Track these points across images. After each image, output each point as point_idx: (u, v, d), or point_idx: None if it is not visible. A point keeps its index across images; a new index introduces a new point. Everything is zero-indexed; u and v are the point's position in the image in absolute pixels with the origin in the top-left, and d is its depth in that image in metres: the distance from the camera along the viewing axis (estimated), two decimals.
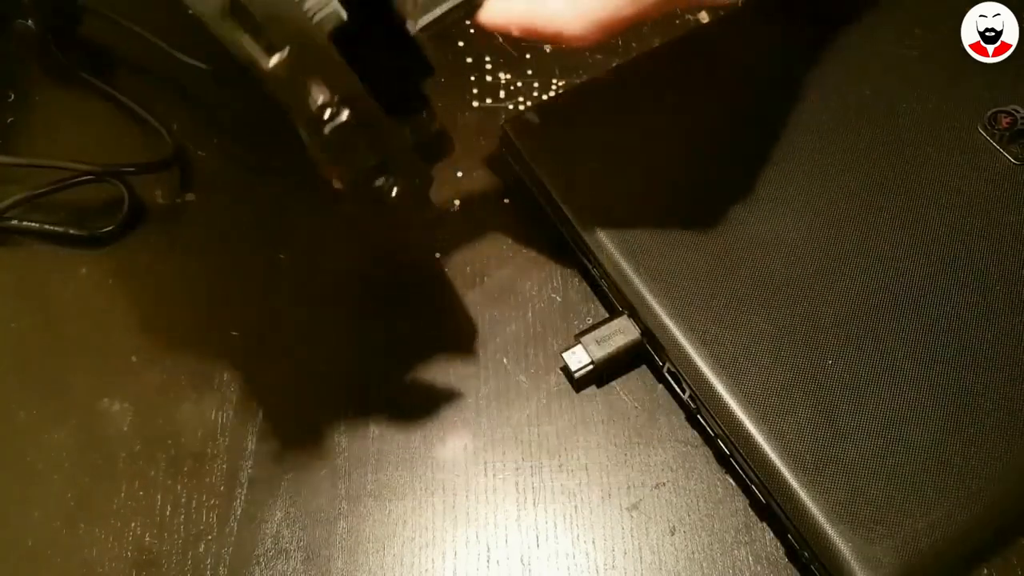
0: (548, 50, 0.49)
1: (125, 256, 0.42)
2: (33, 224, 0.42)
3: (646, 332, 0.37)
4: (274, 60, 0.25)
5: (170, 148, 0.44)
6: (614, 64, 0.48)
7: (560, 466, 0.37)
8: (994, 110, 0.40)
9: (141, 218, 0.43)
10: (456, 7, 0.30)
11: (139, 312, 0.40)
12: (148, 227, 0.43)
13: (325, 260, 0.41)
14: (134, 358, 0.39)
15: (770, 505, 0.34)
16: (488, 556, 0.35)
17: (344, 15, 0.25)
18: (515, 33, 0.31)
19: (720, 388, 0.34)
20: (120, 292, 0.41)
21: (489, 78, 0.48)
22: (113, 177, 0.43)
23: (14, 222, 0.41)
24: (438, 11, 0.30)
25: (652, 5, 0.30)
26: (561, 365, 0.38)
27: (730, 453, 0.35)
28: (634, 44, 0.49)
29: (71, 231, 0.42)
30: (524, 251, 0.42)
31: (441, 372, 0.39)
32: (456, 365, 0.39)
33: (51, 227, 0.42)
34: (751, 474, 0.34)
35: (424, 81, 0.31)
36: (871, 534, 0.31)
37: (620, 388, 0.39)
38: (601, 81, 0.43)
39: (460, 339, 0.40)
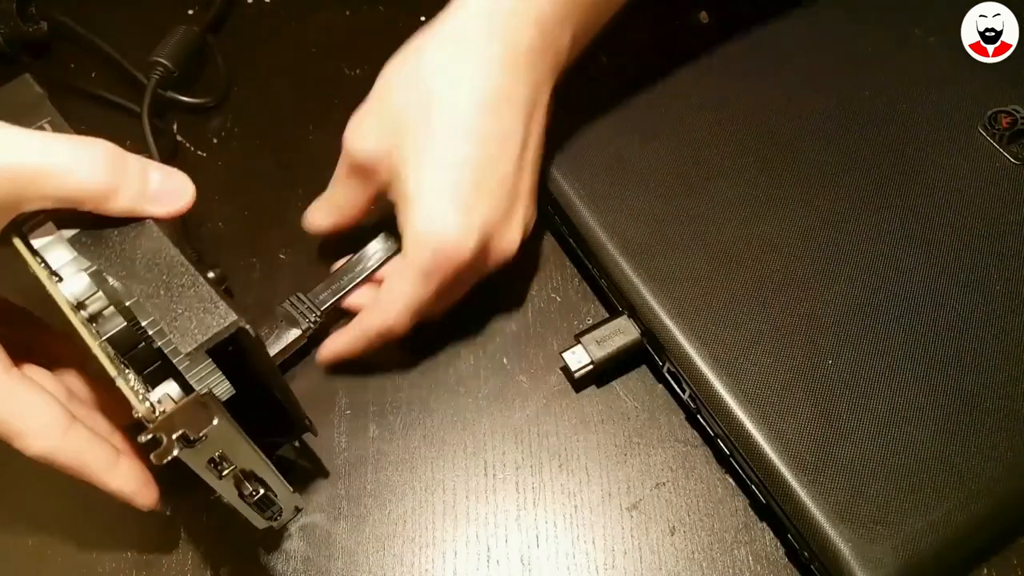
0: None
1: None
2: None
3: (646, 332, 0.37)
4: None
5: (172, 140, 0.45)
6: (615, 64, 0.48)
7: (560, 466, 0.37)
8: (994, 110, 0.40)
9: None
10: (294, 341, 0.38)
11: None
12: None
13: (324, 260, 0.41)
14: None
15: (770, 505, 0.34)
16: (488, 556, 0.35)
17: (231, 389, 0.27)
18: (358, 354, 0.37)
19: (720, 388, 0.34)
20: None
21: None
22: None
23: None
24: (274, 350, 0.37)
25: (435, 289, 0.35)
26: (561, 365, 0.38)
27: (730, 453, 0.35)
28: (634, 45, 0.49)
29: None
30: (524, 251, 0.42)
31: (441, 372, 0.39)
32: (456, 365, 0.39)
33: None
34: (751, 474, 0.34)
35: (301, 432, 0.35)
36: (871, 534, 0.31)
37: (620, 388, 0.38)
38: (601, 82, 0.43)
39: (460, 339, 0.40)
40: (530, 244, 0.42)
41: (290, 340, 0.38)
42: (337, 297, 0.38)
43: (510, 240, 0.36)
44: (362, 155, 0.35)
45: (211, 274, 0.39)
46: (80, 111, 0.44)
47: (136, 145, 0.43)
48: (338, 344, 0.37)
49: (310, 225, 0.39)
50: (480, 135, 0.33)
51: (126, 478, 0.31)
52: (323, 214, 0.39)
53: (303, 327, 0.38)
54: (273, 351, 0.37)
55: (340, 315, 0.39)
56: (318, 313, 0.38)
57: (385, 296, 0.36)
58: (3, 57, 0.47)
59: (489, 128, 0.34)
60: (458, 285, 0.36)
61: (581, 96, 0.42)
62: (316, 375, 0.39)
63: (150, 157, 0.41)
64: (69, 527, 0.35)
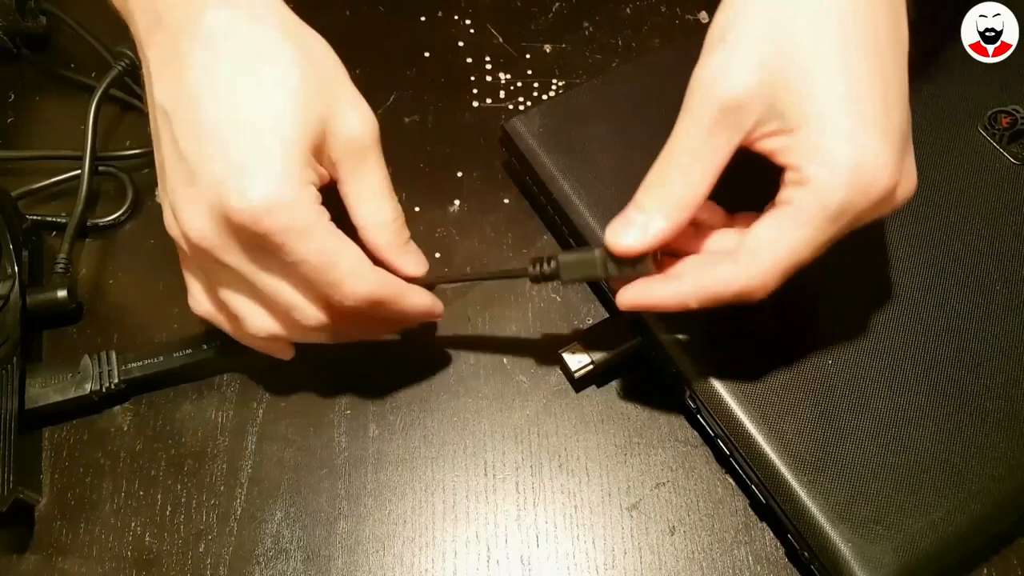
0: (548, 50, 0.49)
1: (124, 255, 0.42)
2: (35, 216, 0.41)
3: (646, 332, 0.37)
4: None
5: None
6: (614, 64, 0.48)
7: (560, 466, 0.37)
8: (994, 110, 0.40)
9: (142, 217, 0.43)
10: (78, 398, 0.36)
11: (139, 311, 0.40)
12: (148, 226, 0.43)
13: None
14: None
15: (770, 505, 0.34)
16: (488, 556, 0.35)
17: None
18: (694, 307, 0.29)
19: (720, 388, 0.34)
20: (120, 291, 0.41)
21: (489, 78, 0.48)
22: (111, 164, 0.43)
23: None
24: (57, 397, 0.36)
25: (826, 242, 0.27)
26: (561, 365, 0.38)
27: (730, 453, 0.35)
28: (633, 44, 0.49)
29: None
30: (524, 251, 0.42)
31: (441, 372, 0.39)
32: (456, 365, 0.39)
33: (53, 218, 0.42)
34: (751, 474, 0.34)
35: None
36: (871, 534, 0.31)
37: (620, 388, 0.38)
38: (601, 81, 0.43)
39: (460, 339, 0.40)
40: (530, 243, 0.42)
41: (74, 395, 0.36)
42: (145, 373, 0.37)
43: (910, 167, 0.28)
44: (736, 92, 0.27)
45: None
46: (79, 104, 0.44)
47: (126, 136, 0.44)
48: (659, 295, 0.29)
49: (635, 244, 0.29)
50: (878, 36, 0.27)
51: (423, 296, 0.34)
52: (659, 209, 0.29)
53: (90, 389, 0.36)
54: (56, 398, 0.36)
55: (145, 387, 0.38)
56: (116, 381, 0.37)
57: (754, 244, 0.28)
58: (4, 52, 0.47)
59: (881, 25, 0.27)
60: (853, 227, 0.28)
61: (580, 98, 0.42)
62: (316, 374, 0.39)
63: (87, 143, 0.41)
64: (69, 527, 0.35)
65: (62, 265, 0.39)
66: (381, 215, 0.33)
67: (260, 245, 0.30)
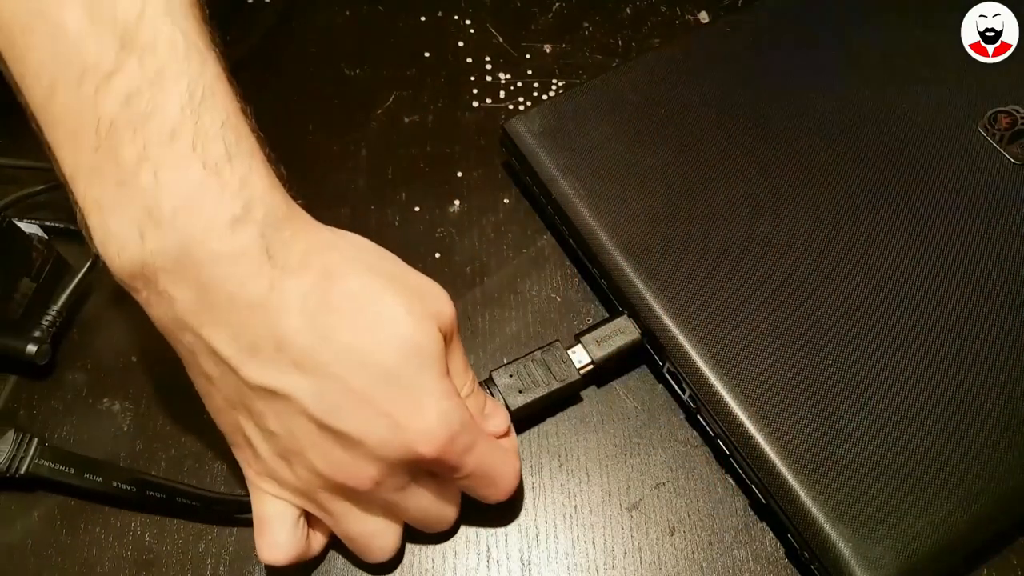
0: (548, 50, 0.49)
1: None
2: (32, 221, 0.41)
3: (646, 332, 0.37)
4: None
5: None
6: (614, 64, 0.48)
7: (560, 466, 0.37)
8: (994, 110, 0.40)
9: None
10: None
11: (140, 311, 0.40)
12: None
13: None
14: (134, 358, 0.39)
15: (770, 505, 0.34)
16: (488, 556, 0.35)
17: None
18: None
19: (720, 388, 0.34)
20: (121, 291, 0.41)
21: (489, 78, 0.48)
22: None
23: (13, 220, 0.41)
24: None
25: None
26: None
27: (730, 453, 0.35)
28: (633, 44, 0.49)
29: (71, 227, 0.42)
30: (524, 251, 0.42)
31: None
32: None
33: (51, 223, 0.42)
34: (751, 474, 0.34)
35: None
36: (871, 534, 0.31)
37: (620, 388, 0.38)
38: (601, 81, 0.43)
39: (460, 339, 0.40)
40: (530, 244, 0.42)
41: None
42: (53, 478, 0.34)
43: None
44: None
45: None
46: None
47: None
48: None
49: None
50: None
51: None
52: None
53: None
54: None
55: (51, 488, 0.35)
56: (23, 471, 0.34)
57: None
58: None
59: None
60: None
61: (580, 98, 0.42)
62: None
63: None
64: (69, 527, 0.35)
65: (50, 318, 0.37)
66: (466, 389, 0.33)
67: (425, 469, 0.31)
